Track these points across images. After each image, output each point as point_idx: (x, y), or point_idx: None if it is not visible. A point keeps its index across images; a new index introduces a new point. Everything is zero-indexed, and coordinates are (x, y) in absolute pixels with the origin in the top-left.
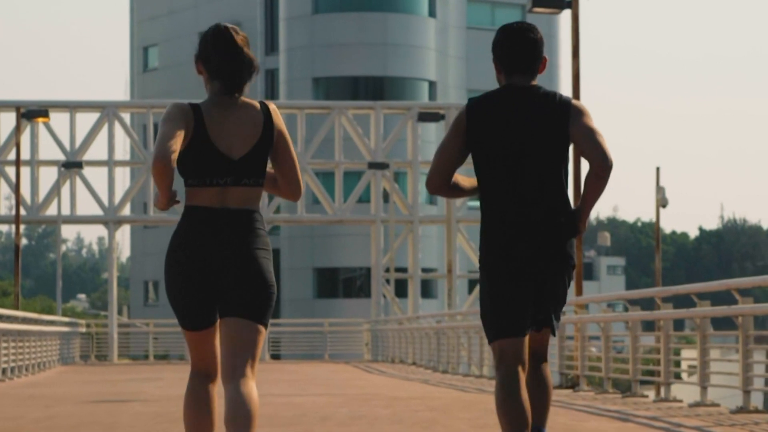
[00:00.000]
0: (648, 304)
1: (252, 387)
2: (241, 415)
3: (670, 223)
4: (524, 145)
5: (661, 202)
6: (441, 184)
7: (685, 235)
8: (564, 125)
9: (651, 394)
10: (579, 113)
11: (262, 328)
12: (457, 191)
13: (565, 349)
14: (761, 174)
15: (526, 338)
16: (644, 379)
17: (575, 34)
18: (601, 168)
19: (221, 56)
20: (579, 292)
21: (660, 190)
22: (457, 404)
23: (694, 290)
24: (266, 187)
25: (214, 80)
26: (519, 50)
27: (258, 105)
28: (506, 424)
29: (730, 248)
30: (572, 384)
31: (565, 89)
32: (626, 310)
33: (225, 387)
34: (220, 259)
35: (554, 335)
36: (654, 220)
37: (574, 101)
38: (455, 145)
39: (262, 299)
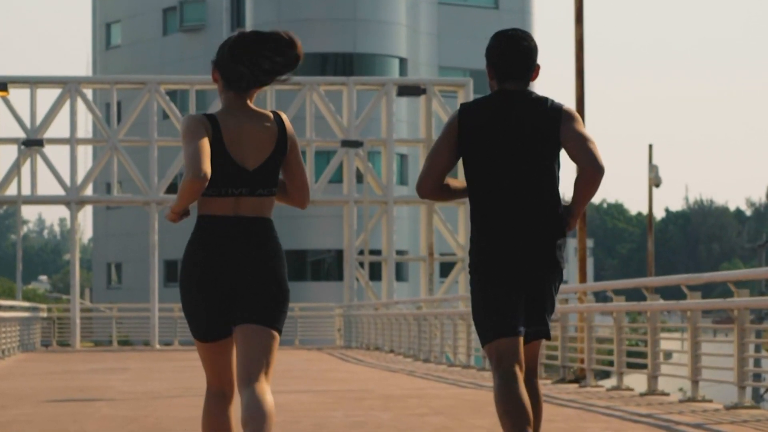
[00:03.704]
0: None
1: (267, 391)
2: (257, 417)
3: (635, 205)
4: (516, 149)
5: (655, 181)
6: (433, 187)
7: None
8: (555, 130)
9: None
10: (570, 118)
11: (275, 333)
12: (448, 193)
13: (567, 341)
14: (727, 156)
15: (521, 339)
16: (648, 373)
17: None
18: (591, 174)
19: (236, 62)
20: (583, 278)
21: (653, 168)
22: (463, 406)
23: (731, 278)
24: (276, 197)
25: (228, 89)
26: (513, 57)
27: (271, 115)
28: (509, 424)
29: (697, 230)
30: (576, 378)
31: (549, 61)
32: (609, 300)
33: (241, 393)
34: (236, 267)
35: (548, 338)
36: (620, 201)
37: (565, 107)
38: (447, 148)
39: (275, 304)
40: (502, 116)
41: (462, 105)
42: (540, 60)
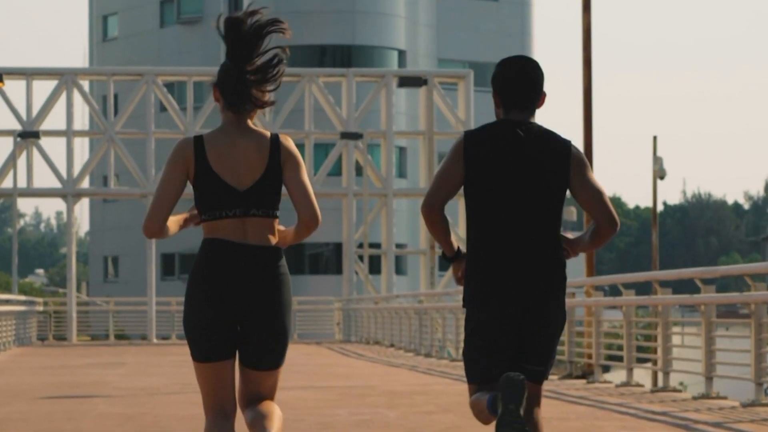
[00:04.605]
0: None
1: (274, 404)
2: (264, 413)
3: (633, 199)
4: (519, 183)
5: (659, 173)
6: (440, 205)
7: (648, 210)
8: (563, 170)
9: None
10: (581, 165)
11: (279, 370)
12: (445, 229)
13: (574, 335)
14: (725, 149)
15: None
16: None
17: None
18: (608, 230)
19: (232, 82)
20: (590, 272)
21: (658, 160)
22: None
23: (747, 271)
24: (293, 238)
25: (228, 109)
26: (518, 86)
27: (268, 134)
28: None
29: (695, 223)
30: (584, 373)
31: (549, 54)
32: (610, 294)
33: (244, 413)
34: (241, 297)
35: (537, 382)
36: (618, 194)
37: (573, 147)
38: (456, 170)
39: (280, 348)
40: (507, 149)
41: (466, 133)
42: (540, 52)
